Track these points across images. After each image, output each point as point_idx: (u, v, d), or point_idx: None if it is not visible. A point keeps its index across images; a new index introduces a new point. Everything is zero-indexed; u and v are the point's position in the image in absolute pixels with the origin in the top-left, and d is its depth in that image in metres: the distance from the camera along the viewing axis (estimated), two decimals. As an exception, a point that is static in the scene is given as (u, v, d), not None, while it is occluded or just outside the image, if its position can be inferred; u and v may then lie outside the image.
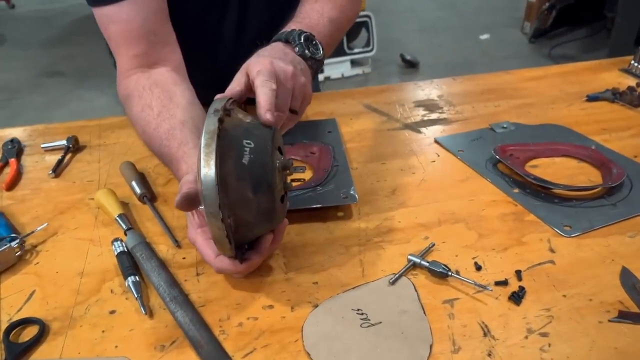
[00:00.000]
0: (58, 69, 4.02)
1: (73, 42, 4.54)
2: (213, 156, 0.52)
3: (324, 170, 0.83)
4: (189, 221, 0.66)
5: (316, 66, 0.75)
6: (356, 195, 0.76)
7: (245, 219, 0.57)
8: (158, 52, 0.81)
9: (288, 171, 0.61)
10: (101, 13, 0.79)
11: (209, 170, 0.52)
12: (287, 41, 0.73)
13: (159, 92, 0.77)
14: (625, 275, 0.62)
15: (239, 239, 0.59)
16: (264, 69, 0.62)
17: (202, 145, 0.53)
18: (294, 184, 0.66)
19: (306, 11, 0.83)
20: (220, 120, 0.55)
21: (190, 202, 0.60)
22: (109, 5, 0.77)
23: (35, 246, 0.72)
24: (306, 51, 0.73)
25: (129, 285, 0.62)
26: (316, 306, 0.60)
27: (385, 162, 0.88)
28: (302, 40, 0.73)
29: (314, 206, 0.74)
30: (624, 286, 0.61)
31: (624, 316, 0.56)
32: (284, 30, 0.76)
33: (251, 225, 0.58)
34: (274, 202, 0.57)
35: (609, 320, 0.56)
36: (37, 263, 0.69)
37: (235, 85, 0.64)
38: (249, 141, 0.56)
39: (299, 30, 0.75)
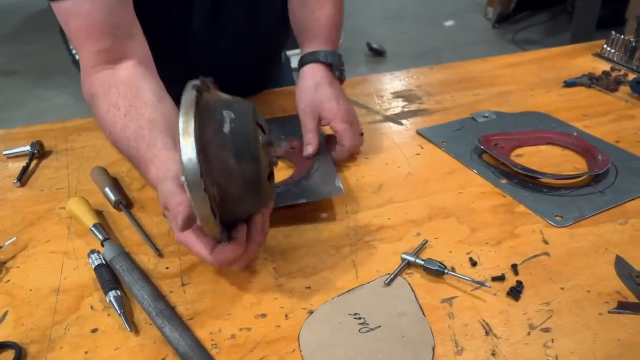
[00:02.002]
0: (13, 67, 3.85)
1: (28, 39, 4.36)
2: (192, 123, 0.49)
3: (306, 164, 0.81)
4: (172, 223, 0.61)
5: None
6: (341, 186, 0.73)
7: (230, 191, 0.53)
8: (123, 46, 0.76)
9: (273, 148, 0.59)
10: (60, 7, 0.74)
11: (188, 137, 0.49)
12: (329, 64, 0.84)
13: (125, 90, 0.73)
14: (620, 264, 0.62)
15: (226, 216, 0.55)
16: (345, 118, 0.81)
17: (181, 114, 0.50)
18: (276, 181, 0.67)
19: (322, 23, 0.87)
20: (199, 91, 0.53)
21: (191, 223, 0.55)
22: (68, 0, 0.72)
23: (4, 262, 0.67)
24: (342, 76, 0.87)
25: (110, 300, 0.59)
26: (311, 312, 0.58)
27: (368, 157, 0.86)
28: (342, 66, 0.86)
29: (300, 201, 0.72)
30: (619, 275, 0.60)
31: (624, 306, 0.56)
32: (319, 49, 0.85)
33: (237, 199, 0.54)
34: (259, 172, 0.54)
35: (609, 312, 0.56)
36: (8, 281, 0.64)
37: (314, 136, 0.81)
38: (229, 111, 0.54)
39: (339, 53, 0.86)
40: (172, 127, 0.69)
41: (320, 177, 0.77)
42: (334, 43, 0.88)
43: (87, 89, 0.77)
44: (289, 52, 1.36)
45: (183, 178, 0.50)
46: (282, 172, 0.83)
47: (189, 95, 0.51)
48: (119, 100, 0.72)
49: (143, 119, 0.69)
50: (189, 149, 0.48)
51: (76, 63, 3.56)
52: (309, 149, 0.81)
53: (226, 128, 0.53)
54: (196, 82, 0.54)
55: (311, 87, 0.83)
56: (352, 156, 0.85)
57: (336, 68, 0.85)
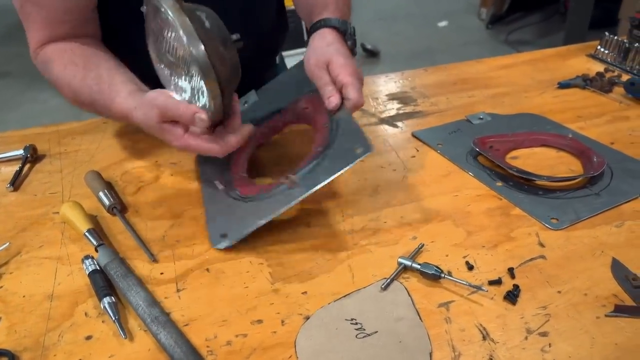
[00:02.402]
0: (6, 69, 3.83)
1: (22, 41, 4.31)
2: (187, 21, 0.60)
3: (324, 125, 0.75)
4: (172, 134, 0.68)
5: None
6: (371, 144, 0.65)
7: (224, 76, 0.63)
8: (75, 35, 0.80)
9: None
10: None
11: (190, 34, 0.60)
12: (341, 31, 0.79)
13: (81, 50, 0.78)
14: (616, 267, 0.62)
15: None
16: (353, 73, 0.73)
17: (174, 18, 0.60)
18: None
19: None
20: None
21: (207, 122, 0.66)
22: None
23: (-3, 269, 0.67)
24: (354, 47, 0.80)
25: (104, 307, 0.58)
26: (307, 318, 0.57)
27: (363, 160, 0.85)
28: (355, 36, 0.80)
29: (337, 174, 0.64)
30: (616, 278, 0.60)
31: (621, 310, 0.56)
32: (329, 17, 0.80)
33: (228, 81, 0.65)
34: (237, 56, 0.66)
35: (606, 315, 0.56)
36: (1, 287, 0.63)
37: (333, 88, 0.74)
38: (201, 12, 0.64)
39: (352, 25, 0.80)
40: (129, 74, 0.76)
41: (345, 138, 0.70)
42: (346, 15, 0.84)
43: (39, 59, 0.82)
44: (284, 53, 1.36)
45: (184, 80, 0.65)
46: (297, 142, 0.82)
47: (169, 2, 0.61)
48: (76, 58, 0.77)
49: (101, 68, 0.76)
50: (194, 41, 0.60)
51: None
52: (333, 101, 0.73)
53: (207, 24, 0.63)
54: None
55: (322, 45, 0.78)
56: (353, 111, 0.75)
57: (349, 37, 0.80)
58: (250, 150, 0.83)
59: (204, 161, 0.83)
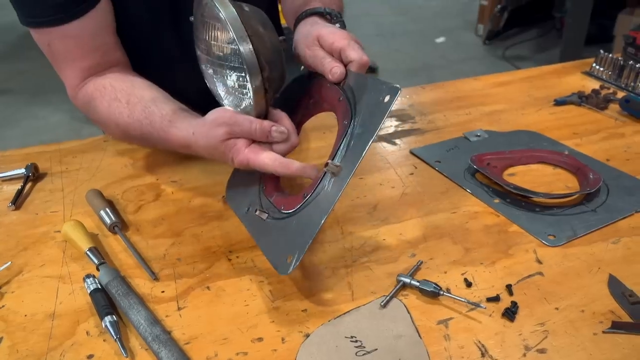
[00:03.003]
0: (7, 86, 3.85)
1: (22, 58, 4.35)
2: (233, 10, 0.61)
3: (339, 100, 0.68)
4: (235, 149, 0.66)
5: None
6: (396, 86, 0.60)
7: (268, 57, 0.63)
8: (109, 61, 0.81)
9: None
10: (43, 32, 0.77)
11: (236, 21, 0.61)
12: (328, 15, 0.77)
13: (120, 84, 0.78)
14: (613, 283, 0.62)
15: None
16: (347, 36, 0.69)
17: (217, 4, 0.61)
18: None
19: None
20: None
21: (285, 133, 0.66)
22: (54, 27, 0.75)
23: (-1, 287, 0.67)
24: (344, 29, 0.76)
25: (106, 325, 0.58)
26: (308, 336, 0.58)
27: (363, 177, 0.87)
28: (342, 19, 0.77)
29: (376, 133, 0.60)
30: (613, 295, 0.61)
31: (618, 326, 0.56)
32: (314, 6, 0.78)
33: (273, 63, 0.64)
34: (277, 40, 0.65)
35: (604, 332, 0.56)
36: (3, 306, 0.64)
37: (332, 59, 0.69)
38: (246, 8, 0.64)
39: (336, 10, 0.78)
40: (170, 99, 0.76)
41: (366, 97, 0.64)
42: (333, 7, 0.80)
43: (80, 99, 0.82)
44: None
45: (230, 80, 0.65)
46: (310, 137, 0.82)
47: None
48: (118, 94, 0.77)
49: (145, 100, 0.75)
50: (240, 32, 0.60)
51: (70, 82, 3.56)
52: (337, 71, 0.67)
53: (246, 7, 0.63)
54: None
55: (306, 28, 0.75)
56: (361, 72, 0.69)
57: (335, 19, 0.76)
58: None
59: (232, 198, 0.79)
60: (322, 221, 0.59)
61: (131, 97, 0.75)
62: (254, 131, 0.64)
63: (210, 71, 0.68)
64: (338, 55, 0.69)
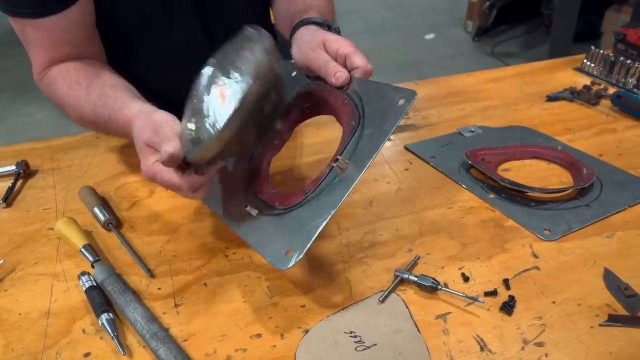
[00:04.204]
0: (-9, 83, 3.80)
1: (6, 55, 4.29)
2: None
3: (344, 102, 0.68)
4: (145, 158, 0.62)
5: None
6: (412, 90, 0.62)
7: (234, 145, 0.58)
8: (79, 54, 0.81)
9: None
10: (20, 20, 0.77)
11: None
12: (327, 27, 0.77)
13: (85, 70, 0.78)
14: (609, 277, 0.63)
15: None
16: (352, 44, 0.70)
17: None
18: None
19: (313, 4, 0.84)
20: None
21: (175, 162, 0.58)
22: (31, 19, 0.75)
23: (-8, 286, 0.66)
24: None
25: (102, 323, 0.58)
26: (307, 331, 0.57)
27: (358, 173, 0.86)
28: (339, 31, 0.78)
29: (390, 133, 0.61)
30: (608, 288, 0.62)
31: (614, 319, 0.57)
32: (312, 16, 0.79)
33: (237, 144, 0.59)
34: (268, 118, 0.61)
35: (600, 325, 0.57)
36: (-4, 305, 0.63)
37: (336, 64, 0.69)
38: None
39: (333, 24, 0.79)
40: (135, 91, 0.76)
41: (376, 99, 0.64)
42: (328, 18, 0.81)
43: (44, 81, 0.82)
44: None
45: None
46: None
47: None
48: (80, 78, 0.77)
49: (105, 85, 0.75)
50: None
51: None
52: (342, 75, 0.67)
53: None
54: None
55: (309, 32, 0.76)
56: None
57: (335, 32, 0.77)
58: (267, 171, 0.76)
59: (209, 198, 0.74)
60: (330, 215, 0.57)
61: (92, 82, 0.76)
62: (158, 143, 0.60)
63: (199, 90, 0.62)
64: (342, 62, 0.69)
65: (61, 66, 0.80)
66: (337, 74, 0.68)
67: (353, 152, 0.62)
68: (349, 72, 0.68)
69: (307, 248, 0.56)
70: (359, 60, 0.68)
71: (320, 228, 0.57)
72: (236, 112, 0.53)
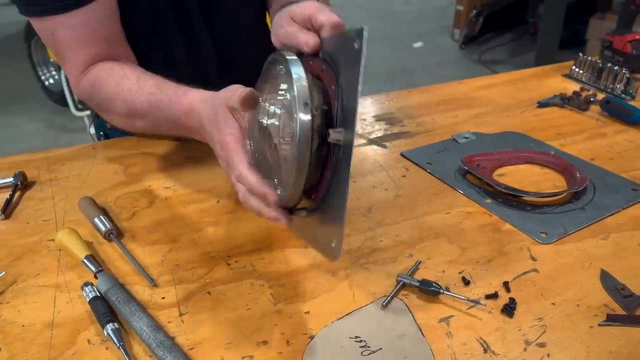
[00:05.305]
0: (-21, 94, 3.77)
1: (-6, 66, 4.28)
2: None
3: (323, 68, 0.61)
4: (227, 125, 0.60)
5: None
6: (361, 27, 0.54)
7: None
8: (114, 54, 0.80)
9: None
10: (47, 20, 0.75)
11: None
12: None
13: (129, 66, 0.77)
14: (605, 278, 0.64)
15: None
16: (313, 4, 0.63)
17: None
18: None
19: None
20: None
21: (255, 102, 0.58)
22: (59, 15, 0.73)
23: (-6, 298, 0.66)
24: None
25: (108, 333, 0.58)
26: (312, 337, 0.58)
27: (356, 180, 0.88)
28: None
29: (360, 76, 0.54)
30: (606, 289, 0.63)
31: (613, 319, 0.58)
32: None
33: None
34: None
35: (599, 325, 0.58)
36: (-1, 317, 0.63)
37: (306, 31, 0.63)
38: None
39: None
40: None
41: (340, 54, 0.59)
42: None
43: (84, 83, 0.80)
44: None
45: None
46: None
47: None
48: (127, 73, 0.76)
49: (157, 77, 0.74)
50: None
51: (45, 88, 3.50)
52: (310, 41, 0.61)
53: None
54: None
55: (279, 15, 0.69)
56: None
57: None
58: None
59: None
60: (347, 194, 0.55)
61: (142, 76, 0.75)
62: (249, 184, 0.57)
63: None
64: (311, 25, 0.64)
65: (102, 65, 0.78)
66: (307, 42, 0.62)
67: (340, 117, 0.57)
68: (319, 33, 0.62)
69: (342, 231, 0.56)
70: (322, 17, 0.61)
71: (345, 210, 0.55)
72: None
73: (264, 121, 0.59)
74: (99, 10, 0.76)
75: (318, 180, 0.59)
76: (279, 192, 0.57)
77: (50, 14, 0.74)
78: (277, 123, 0.57)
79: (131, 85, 0.75)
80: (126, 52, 0.83)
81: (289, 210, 0.60)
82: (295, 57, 0.57)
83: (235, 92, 0.59)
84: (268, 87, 0.61)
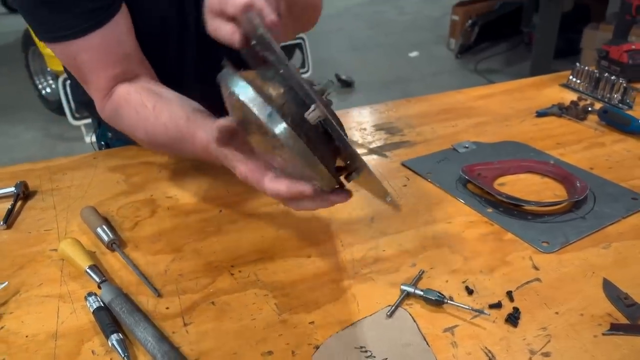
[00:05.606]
0: (-24, 103, 3.76)
1: (-9, 75, 4.28)
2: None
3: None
4: (235, 159, 0.60)
5: None
6: None
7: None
8: (136, 70, 0.81)
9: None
10: (68, 45, 0.76)
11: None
12: None
13: (147, 92, 0.77)
14: (608, 287, 0.65)
15: None
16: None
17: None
18: None
19: None
20: None
21: (231, 135, 0.57)
22: (79, 38, 0.74)
23: (-3, 309, 0.66)
24: None
25: (113, 344, 0.58)
26: (317, 348, 0.58)
27: (358, 190, 0.88)
28: None
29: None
30: (609, 298, 0.63)
31: (616, 328, 0.59)
32: None
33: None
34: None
35: (603, 334, 0.58)
36: (2, 327, 0.63)
37: (232, 25, 0.57)
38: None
39: None
40: (199, 107, 0.73)
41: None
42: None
43: (107, 108, 0.81)
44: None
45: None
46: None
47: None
48: (144, 100, 0.76)
49: (173, 106, 0.74)
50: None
51: (42, 97, 3.50)
52: (235, 37, 0.57)
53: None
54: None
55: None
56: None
57: None
58: None
59: None
60: (355, 150, 0.55)
61: (158, 103, 0.74)
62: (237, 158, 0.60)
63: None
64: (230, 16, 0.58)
65: (121, 90, 0.79)
66: (232, 38, 0.57)
67: (305, 94, 0.53)
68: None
69: (384, 186, 0.58)
70: (230, 9, 0.56)
71: (366, 165, 0.56)
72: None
73: (253, 139, 0.57)
74: (117, 27, 0.76)
75: (335, 149, 0.57)
76: (315, 183, 0.56)
77: (70, 39, 0.74)
78: (263, 138, 0.55)
79: (149, 115, 0.75)
80: (144, 66, 0.83)
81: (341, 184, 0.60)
82: (231, 74, 0.53)
83: (213, 133, 0.58)
84: (231, 110, 0.58)
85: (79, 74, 0.80)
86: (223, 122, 0.57)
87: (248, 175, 0.60)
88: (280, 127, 0.51)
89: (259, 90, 0.52)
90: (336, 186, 0.58)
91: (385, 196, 0.59)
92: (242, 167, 0.61)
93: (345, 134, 0.55)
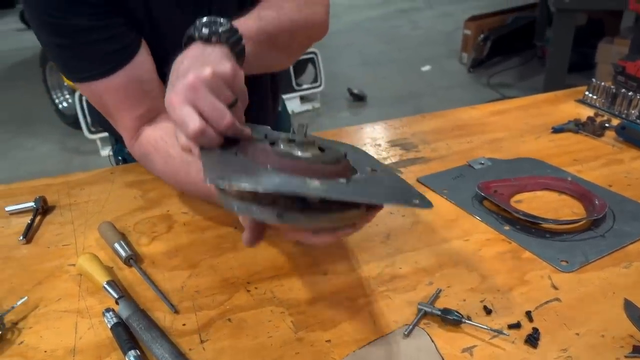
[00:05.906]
0: (-6, 116, 3.83)
1: (8, 88, 4.36)
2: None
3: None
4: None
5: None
6: None
7: None
8: (157, 105, 0.82)
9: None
10: (92, 86, 0.78)
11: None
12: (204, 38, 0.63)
13: (171, 138, 0.78)
14: (630, 308, 0.64)
15: None
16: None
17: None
18: None
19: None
20: None
21: (259, 233, 0.60)
22: (104, 78, 0.76)
23: (16, 323, 0.66)
24: (237, 46, 0.65)
25: (130, 360, 0.58)
26: (334, 366, 0.58)
27: (373, 206, 0.88)
28: (235, 36, 0.65)
29: None
30: (630, 319, 0.62)
31: (639, 351, 0.57)
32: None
33: None
34: None
35: (626, 357, 0.57)
36: (22, 342, 0.63)
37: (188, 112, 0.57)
38: None
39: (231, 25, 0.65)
40: None
41: None
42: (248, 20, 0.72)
43: (136, 150, 0.84)
44: (285, 96, 1.39)
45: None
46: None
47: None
48: (170, 149, 0.78)
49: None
50: None
51: (59, 111, 3.56)
52: (190, 127, 0.55)
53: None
54: None
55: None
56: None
57: (218, 39, 0.62)
58: None
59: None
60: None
61: (184, 154, 0.71)
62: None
63: None
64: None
65: (149, 135, 0.81)
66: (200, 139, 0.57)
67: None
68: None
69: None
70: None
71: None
72: None
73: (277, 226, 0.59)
74: (139, 64, 0.78)
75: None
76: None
77: (94, 79, 0.76)
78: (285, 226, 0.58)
79: (178, 168, 0.77)
80: None
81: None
82: (224, 197, 0.55)
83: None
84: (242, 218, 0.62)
85: (106, 111, 0.82)
86: (245, 232, 0.59)
87: (296, 236, 0.60)
88: (294, 219, 0.52)
89: (254, 199, 0.53)
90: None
91: (412, 199, 0.56)
92: (290, 234, 0.60)
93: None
